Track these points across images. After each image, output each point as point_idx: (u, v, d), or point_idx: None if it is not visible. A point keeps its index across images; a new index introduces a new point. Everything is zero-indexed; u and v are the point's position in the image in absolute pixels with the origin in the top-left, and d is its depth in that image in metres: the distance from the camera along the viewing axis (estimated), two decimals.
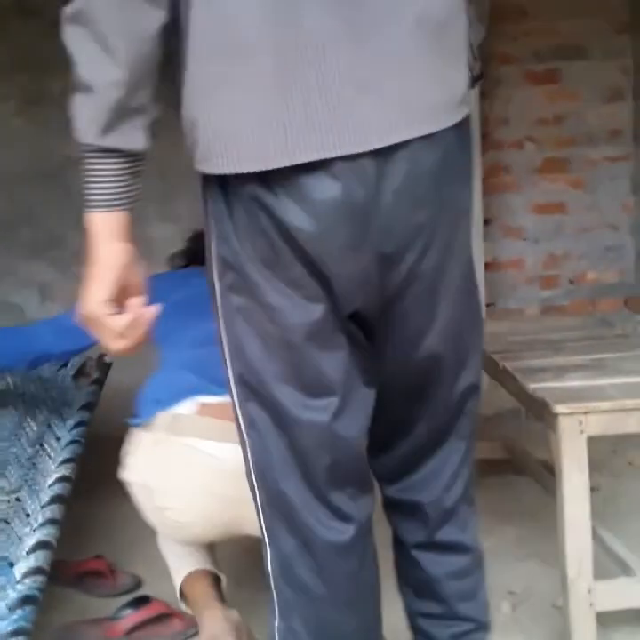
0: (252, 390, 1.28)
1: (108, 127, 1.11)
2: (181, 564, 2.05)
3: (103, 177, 1.16)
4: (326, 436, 1.28)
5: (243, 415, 1.31)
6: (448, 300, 1.30)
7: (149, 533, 2.54)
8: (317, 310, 1.22)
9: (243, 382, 1.29)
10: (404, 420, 1.42)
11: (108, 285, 1.19)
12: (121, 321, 1.20)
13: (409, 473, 1.47)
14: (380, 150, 1.15)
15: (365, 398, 1.33)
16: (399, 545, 1.54)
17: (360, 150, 1.14)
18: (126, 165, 1.16)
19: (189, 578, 2.01)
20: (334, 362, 1.26)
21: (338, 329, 1.25)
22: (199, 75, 1.15)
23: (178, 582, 2.03)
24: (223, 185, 1.21)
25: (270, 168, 1.14)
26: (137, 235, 3.50)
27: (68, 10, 1.09)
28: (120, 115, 1.11)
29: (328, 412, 1.27)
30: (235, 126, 1.15)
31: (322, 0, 1.11)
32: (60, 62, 3.49)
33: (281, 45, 1.11)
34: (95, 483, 2.72)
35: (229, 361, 1.29)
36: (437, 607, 1.49)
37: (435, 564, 1.48)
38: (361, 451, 1.36)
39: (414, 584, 1.52)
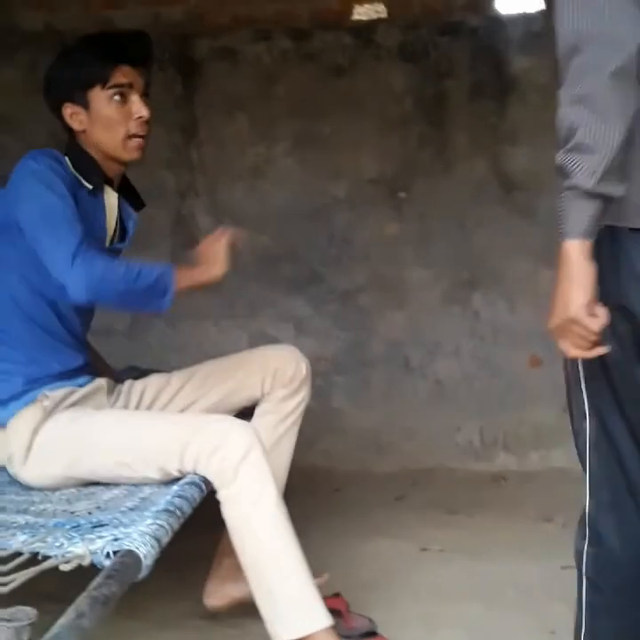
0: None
1: (604, 177, 1.41)
2: (311, 609, 1.89)
3: (587, 214, 1.44)
4: None
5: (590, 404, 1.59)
6: None
7: (390, 576, 2.56)
8: None
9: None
10: None
11: (588, 292, 1.44)
12: (599, 323, 1.44)
13: None
14: None
15: None
16: None
17: None
18: (603, 206, 1.43)
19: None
20: None
21: None
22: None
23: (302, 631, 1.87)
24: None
25: None
26: (392, 277, 3.55)
27: (573, 93, 1.41)
28: (612, 170, 1.41)
29: None
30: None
31: None
32: (331, 107, 3.65)
33: None
34: (333, 517, 2.77)
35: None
36: None
37: None
38: None
39: None
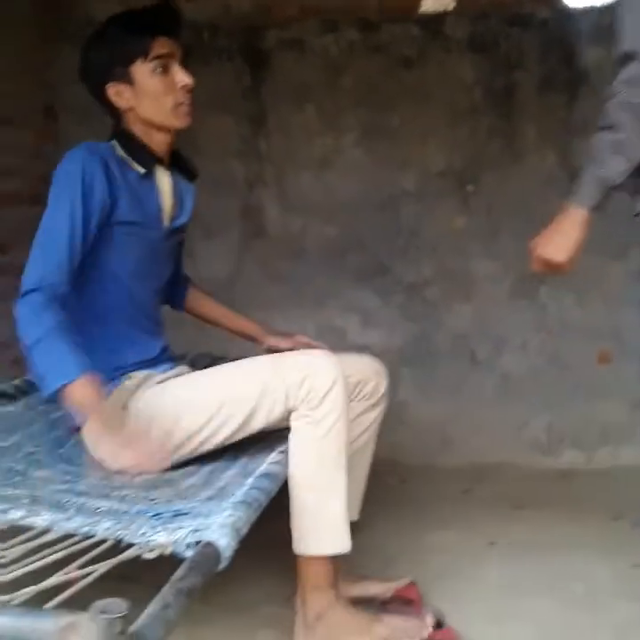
0: None
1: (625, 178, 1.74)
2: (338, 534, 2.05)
3: (600, 195, 1.78)
4: None
5: None
6: None
7: (458, 569, 2.55)
8: None
9: None
10: None
11: (576, 249, 1.88)
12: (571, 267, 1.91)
13: None
14: None
15: None
16: None
17: None
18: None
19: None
20: None
21: None
22: None
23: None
24: None
25: None
26: (459, 270, 3.54)
27: (624, 98, 1.65)
28: (632, 171, 1.73)
29: None
30: None
31: None
32: (399, 98, 3.64)
33: None
34: (400, 508, 2.77)
35: None
36: None
37: None
38: None
39: None
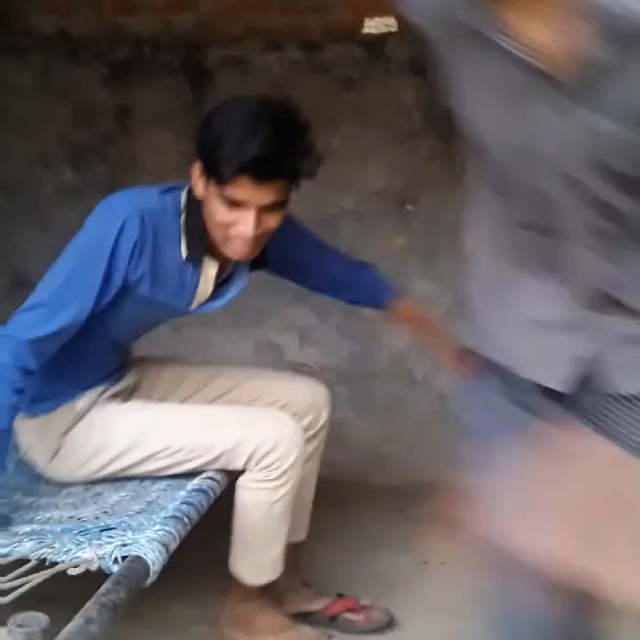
0: None
1: None
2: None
3: None
4: None
5: None
6: None
7: (395, 587, 2.54)
8: None
9: None
10: None
11: None
12: None
13: None
14: None
15: None
16: None
17: None
18: None
19: None
20: None
21: None
22: None
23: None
24: None
25: None
26: (398, 288, 3.51)
27: None
28: None
29: None
30: None
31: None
32: (341, 120, 3.63)
33: None
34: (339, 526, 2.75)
35: None
36: None
37: None
38: None
39: None
